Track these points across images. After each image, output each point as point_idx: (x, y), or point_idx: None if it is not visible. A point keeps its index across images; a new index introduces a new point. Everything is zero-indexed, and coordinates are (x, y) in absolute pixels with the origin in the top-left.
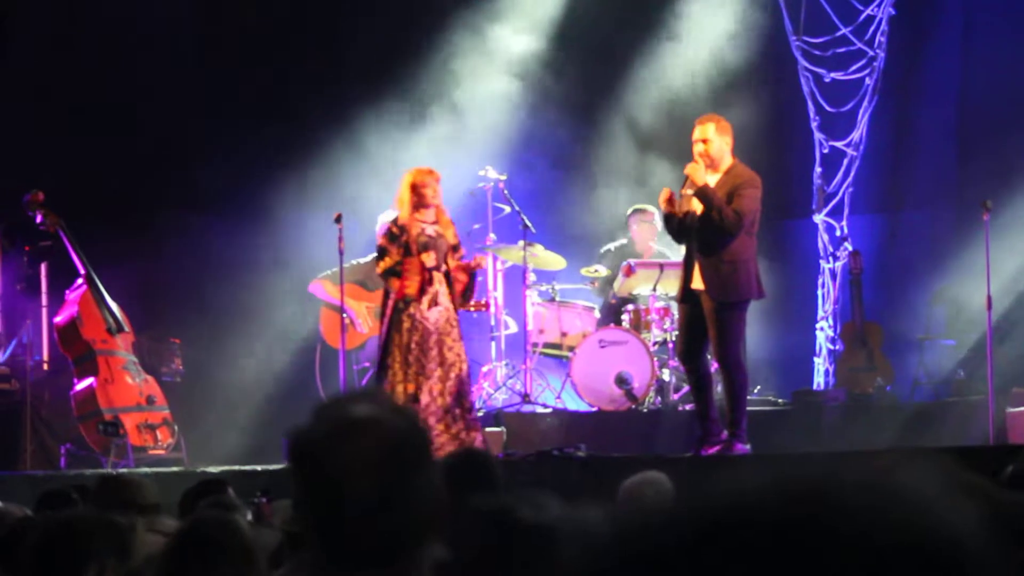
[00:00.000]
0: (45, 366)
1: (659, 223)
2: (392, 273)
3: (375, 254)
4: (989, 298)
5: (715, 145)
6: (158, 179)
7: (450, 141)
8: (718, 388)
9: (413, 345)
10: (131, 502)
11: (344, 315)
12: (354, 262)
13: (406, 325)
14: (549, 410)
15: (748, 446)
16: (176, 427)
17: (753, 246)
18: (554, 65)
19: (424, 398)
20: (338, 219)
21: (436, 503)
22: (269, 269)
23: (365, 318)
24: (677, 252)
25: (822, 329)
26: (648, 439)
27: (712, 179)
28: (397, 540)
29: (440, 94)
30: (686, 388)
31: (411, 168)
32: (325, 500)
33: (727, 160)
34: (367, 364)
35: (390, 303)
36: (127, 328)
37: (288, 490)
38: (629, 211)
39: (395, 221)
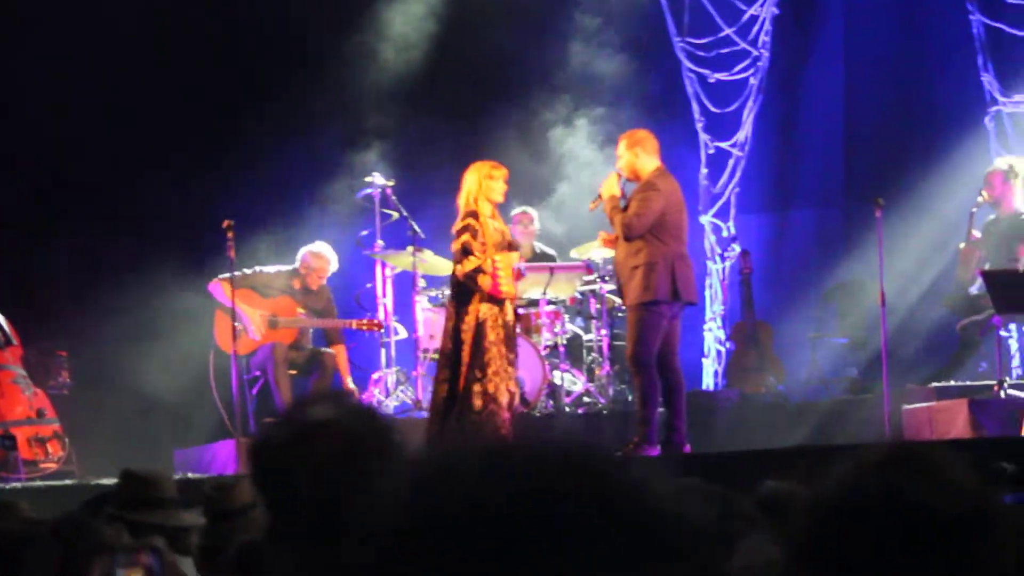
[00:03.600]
0: None
1: (538, 225)
2: (479, 272)
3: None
4: (883, 295)
5: (624, 159)
6: (41, 187)
7: (335, 144)
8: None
9: (507, 344)
10: (152, 498)
11: (237, 321)
12: (258, 269)
13: (500, 323)
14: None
15: (658, 449)
16: (67, 440)
17: (665, 250)
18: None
19: (516, 397)
20: (228, 227)
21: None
22: (159, 277)
23: (259, 325)
24: (565, 255)
25: (710, 330)
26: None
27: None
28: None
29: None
30: (578, 391)
31: (480, 162)
32: (284, 495)
33: (647, 169)
34: (257, 373)
35: (475, 302)
36: (15, 341)
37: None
38: (512, 213)
39: (471, 218)
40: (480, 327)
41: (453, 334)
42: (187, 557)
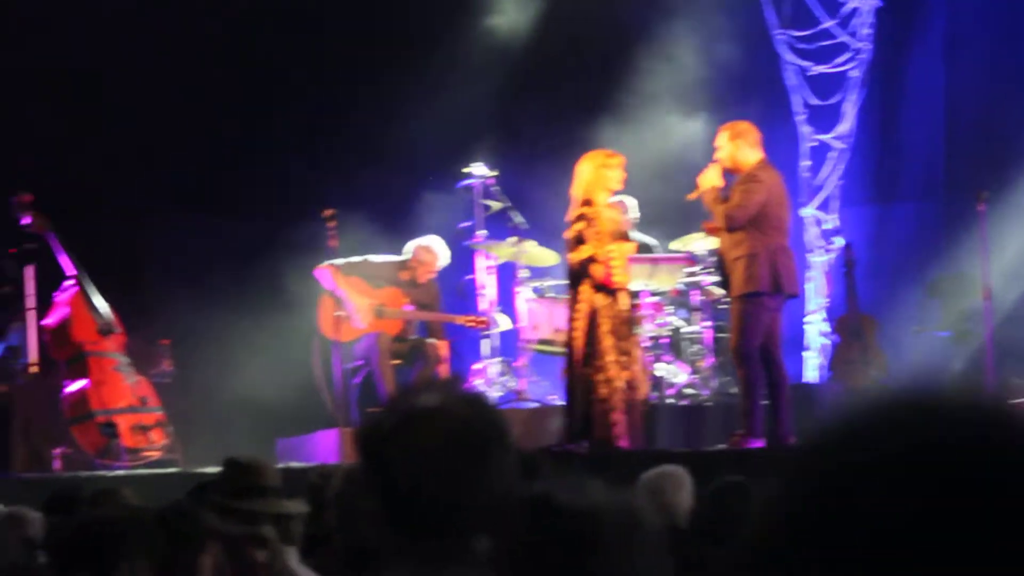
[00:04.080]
0: (34, 369)
1: (636, 214)
2: (593, 261)
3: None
4: (988, 289)
5: (726, 151)
6: (148, 177)
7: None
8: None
9: (621, 333)
10: (255, 486)
11: (342, 308)
12: (368, 257)
13: (613, 312)
14: (542, 406)
15: (763, 441)
16: (170, 428)
17: (767, 241)
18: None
19: (636, 385)
20: (330, 216)
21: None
22: (261, 266)
23: (365, 313)
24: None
25: (813, 323)
26: (647, 435)
27: None
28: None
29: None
30: (681, 383)
31: (595, 151)
32: (392, 486)
33: (749, 161)
34: (361, 362)
35: (588, 291)
36: (118, 329)
37: (289, 488)
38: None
39: (585, 207)
40: (593, 316)
41: (569, 324)
42: (292, 546)
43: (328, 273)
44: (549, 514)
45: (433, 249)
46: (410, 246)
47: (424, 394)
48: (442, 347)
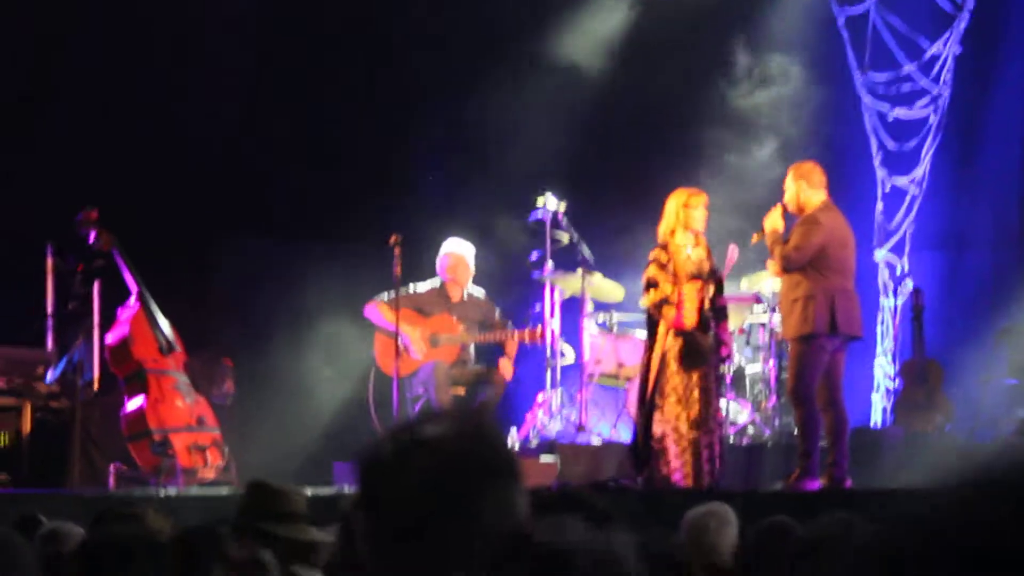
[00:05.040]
0: (96, 385)
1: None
2: (664, 303)
3: (434, 281)
4: None
5: (790, 192)
6: (213, 199)
7: (506, 169)
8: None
9: (690, 373)
10: (280, 511)
11: (399, 340)
12: (411, 289)
13: (684, 354)
14: (603, 440)
15: (818, 482)
16: (226, 449)
17: (825, 283)
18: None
19: (702, 426)
20: (395, 243)
21: (498, 529)
22: (325, 291)
23: (420, 344)
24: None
25: (880, 366)
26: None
27: None
28: (443, 560)
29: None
30: (743, 422)
31: (679, 189)
32: (383, 516)
33: (812, 202)
34: (420, 391)
35: (662, 331)
36: (179, 348)
37: (337, 514)
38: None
39: (661, 248)
40: (664, 357)
41: (644, 365)
42: (315, 572)
43: (375, 310)
44: (522, 552)
45: (453, 251)
46: (437, 262)
47: (428, 423)
48: (506, 371)
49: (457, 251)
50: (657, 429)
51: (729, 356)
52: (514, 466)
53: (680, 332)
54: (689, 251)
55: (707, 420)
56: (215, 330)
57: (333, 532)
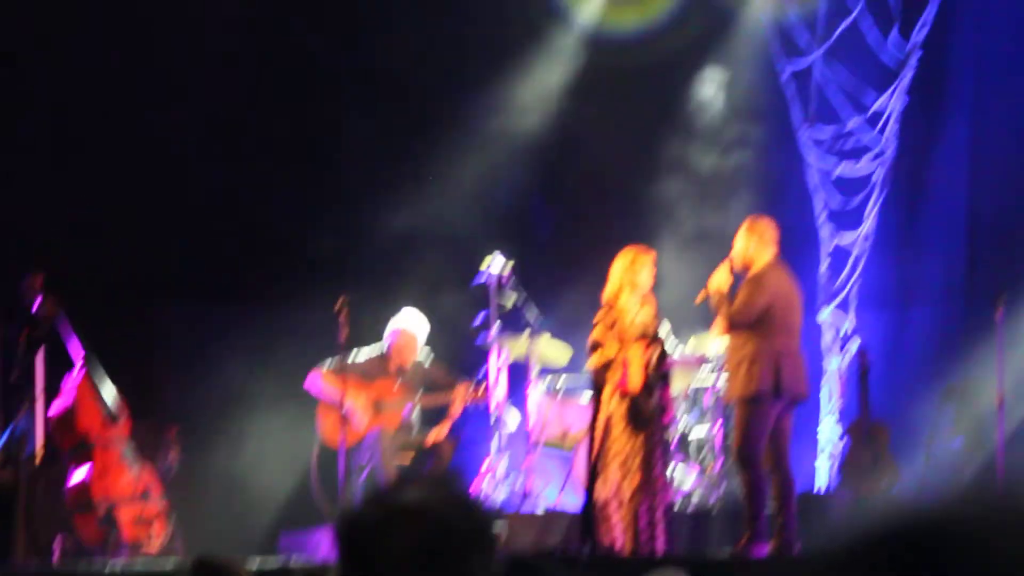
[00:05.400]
0: (40, 456)
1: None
2: (609, 366)
3: (380, 346)
4: (1001, 397)
5: (740, 246)
6: (158, 265)
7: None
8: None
9: (635, 438)
10: None
11: (340, 410)
12: (352, 357)
13: (628, 417)
14: (550, 507)
15: (767, 547)
16: (172, 520)
17: (770, 343)
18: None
19: (646, 491)
20: (342, 306)
21: None
22: (270, 357)
23: (363, 411)
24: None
25: (825, 428)
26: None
27: None
28: None
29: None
30: (690, 487)
31: (626, 249)
32: None
33: (761, 260)
34: (365, 460)
35: (607, 394)
36: (124, 417)
37: None
38: None
39: (607, 309)
40: (608, 421)
41: (589, 429)
42: None
43: (318, 380)
44: None
45: (406, 329)
46: (385, 332)
47: (409, 489)
48: (459, 393)
49: (410, 331)
50: (600, 495)
51: (672, 421)
52: (493, 536)
53: (624, 395)
54: (635, 313)
55: (650, 486)
56: (158, 399)
57: None
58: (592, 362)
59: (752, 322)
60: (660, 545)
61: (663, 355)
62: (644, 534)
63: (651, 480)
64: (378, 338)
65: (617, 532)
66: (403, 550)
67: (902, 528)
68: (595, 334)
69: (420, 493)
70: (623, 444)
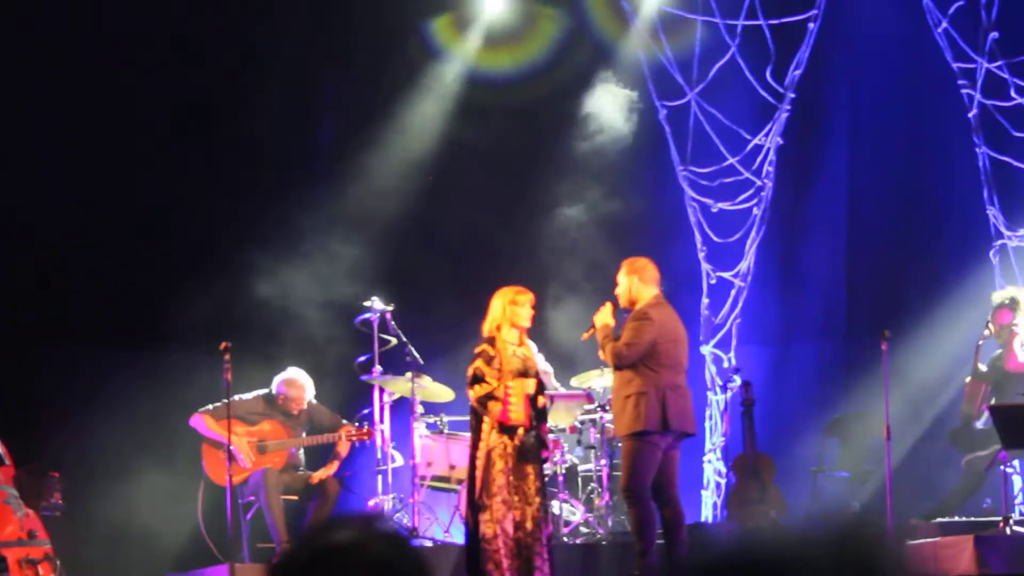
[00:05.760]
0: None
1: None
2: (490, 398)
3: (264, 390)
4: (888, 428)
5: (623, 286)
6: (37, 308)
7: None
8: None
9: (518, 471)
10: None
11: (224, 451)
12: (236, 398)
13: (509, 451)
14: (436, 544)
15: None
16: (58, 562)
17: (657, 379)
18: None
19: (529, 525)
20: (225, 349)
21: None
22: (153, 399)
23: (247, 452)
24: (565, 383)
25: (710, 462)
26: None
27: None
28: None
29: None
30: (576, 521)
31: (505, 287)
32: None
33: (644, 297)
34: (251, 498)
35: (487, 428)
36: (7, 461)
37: None
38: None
39: (488, 343)
40: (489, 455)
41: (470, 463)
42: None
43: (201, 420)
44: None
45: (296, 381)
46: (274, 381)
47: (339, 530)
48: (346, 431)
49: (301, 383)
50: (487, 530)
51: (549, 458)
52: (425, 570)
53: (504, 429)
54: (514, 348)
55: (535, 520)
56: (40, 442)
57: None
58: (473, 394)
59: (638, 358)
60: None
61: (540, 392)
62: (532, 569)
63: (536, 515)
64: (261, 386)
65: (504, 567)
66: None
67: (731, 554)
68: (476, 364)
69: (352, 533)
70: (505, 480)
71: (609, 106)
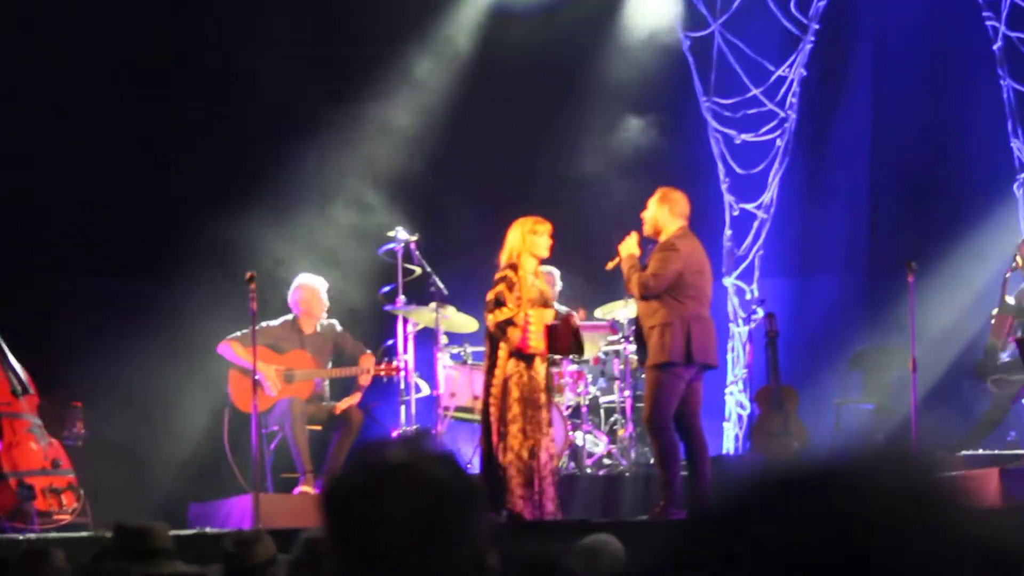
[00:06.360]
0: None
1: (560, 284)
2: (510, 324)
3: (287, 316)
4: (914, 361)
5: (650, 214)
6: (60, 239)
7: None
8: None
9: (532, 401)
10: (145, 549)
11: (252, 378)
12: (264, 324)
13: (525, 380)
14: None
15: (684, 512)
16: (81, 491)
17: (682, 310)
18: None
19: (543, 456)
20: (251, 279)
21: (476, 556)
22: (177, 329)
23: (274, 381)
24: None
25: (732, 394)
26: (564, 504)
27: None
28: None
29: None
30: (600, 453)
31: (524, 217)
32: (360, 549)
33: (669, 229)
34: (275, 428)
35: (504, 356)
36: (31, 390)
37: (187, 555)
38: None
39: (509, 270)
40: (506, 383)
41: (485, 390)
42: None
43: (229, 348)
44: None
45: (306, 284)
46: (288, 299)
47: (391, 450)
48: (368, 359)
49: (310, 284)
50: (503, 458)
51: (584, 387)
52: (481, 494)
53: (522, 356)
54: (533, 278)
55: (549, 450)
56: (65, 371)
57: (208, 570)
58: (493, 318)
59: (665, 288)
60: (549, 508)
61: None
62: (537, 497)
63: (548, 444)
64: (284, 312)
65: (519, 495)
66: (396, 511)
67: (790, 472)
68: (498, 289)
69: (405, 454)
70: (523, 408)
71: (635, 38)
